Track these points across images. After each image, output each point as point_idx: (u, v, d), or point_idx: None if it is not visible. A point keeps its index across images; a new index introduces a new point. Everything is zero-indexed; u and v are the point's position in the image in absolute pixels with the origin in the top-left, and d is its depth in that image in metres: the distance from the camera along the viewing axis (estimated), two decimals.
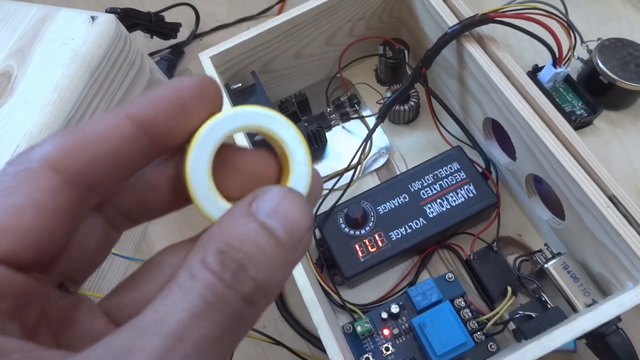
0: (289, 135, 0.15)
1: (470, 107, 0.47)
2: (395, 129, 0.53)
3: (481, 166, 0.47)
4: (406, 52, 0.51)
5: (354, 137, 0.53)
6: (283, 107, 0.51)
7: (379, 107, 0.53)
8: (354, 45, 0.52)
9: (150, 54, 0.65)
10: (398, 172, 0.51)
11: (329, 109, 0.54)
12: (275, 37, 0.47)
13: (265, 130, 0.15)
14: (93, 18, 0.44)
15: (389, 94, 0.52)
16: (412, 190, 0.45)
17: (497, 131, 0.47)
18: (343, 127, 0.54)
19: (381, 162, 0.51)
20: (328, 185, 0.51)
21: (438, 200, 0.44)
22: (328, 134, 0.54)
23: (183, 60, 0.65)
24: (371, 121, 0.53)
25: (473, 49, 0.41)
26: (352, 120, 0.54)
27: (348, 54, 0.53)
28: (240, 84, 0.47)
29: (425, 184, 0.45)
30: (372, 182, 0.51)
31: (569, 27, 0.39)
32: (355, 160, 0.48)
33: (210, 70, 0.45)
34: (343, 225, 0.44)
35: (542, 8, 0.39)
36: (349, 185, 0.47)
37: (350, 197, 0.46)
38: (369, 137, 0.48)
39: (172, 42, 0.65)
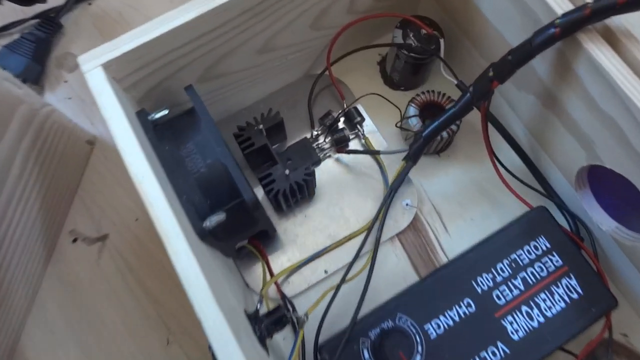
0: None
1: (557, 141, 0.29)
2: (420, 162, 0.34)
3: (565, 230, 0.30)
4: (442, 41, 0.31)
5: (358, 178, 0.34)
6: (244, 140, 0.30)
7: (397, 129, 0.34)
8: (351, 28, 0.32)
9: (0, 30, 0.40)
10: (432, 236, 0.33)
11: (315, 132, 0.34)
12: (227, 21, 0.25)
13: None
14: None
15: (413, 111, 0.33)
16: (480, 290, 0.27)
17: (592, 178, 0.30)
18: (338, 159, 0.34)
19: (405, 220, 0.33)
20: (324, 264, 0.31)
21: (523, 308, 0.26)
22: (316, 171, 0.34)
23: (61, 39, 0.41)
24: (388, 159, 0.34)
25: (603, 56, 0.23)
26: (356, 153, 0.34)
27: (341, 40, 0.32)
28: (166, 110, 0.25)
29: (499, 279, 0.27)
30: (393, 253, 0.32)
31: None
32: (367, 227, 0.29)
33: (107, 93, 0.23)
34: None
35: None
36: (367, 283, 0.27)
37: (374, 307, 0.27)
38: (392, 193, 0.29)
39: (40, 8, 0.40)
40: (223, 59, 0.28)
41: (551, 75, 0.26)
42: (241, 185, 0.23)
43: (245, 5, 0.25)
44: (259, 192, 0.32)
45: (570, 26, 0.23)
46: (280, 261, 0.31)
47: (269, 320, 0.24)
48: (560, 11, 0.23)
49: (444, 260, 0.32)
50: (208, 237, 0.23)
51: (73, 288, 0.33)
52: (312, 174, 0.30)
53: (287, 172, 0.29)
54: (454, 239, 0.32)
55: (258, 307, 0.25)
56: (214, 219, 0.23)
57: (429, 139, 0.28)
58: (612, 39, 0.23)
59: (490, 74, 0.26)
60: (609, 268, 0.31)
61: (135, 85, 0.26)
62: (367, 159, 0.34)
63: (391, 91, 0.36)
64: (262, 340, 0.24)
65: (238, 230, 0.26)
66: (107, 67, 0.23)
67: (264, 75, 0.32)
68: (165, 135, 0.25)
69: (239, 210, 0.24)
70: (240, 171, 0.24)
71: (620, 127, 0.24)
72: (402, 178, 0.29)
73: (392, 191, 0.29)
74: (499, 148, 0.32)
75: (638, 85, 0.22)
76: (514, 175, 0.32)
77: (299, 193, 0.30)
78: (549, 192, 0.31)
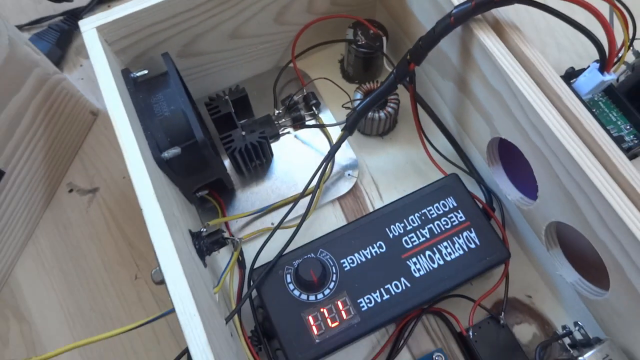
0: None
1: (471, 121, 0.34)
2: (365, 142, 0.40)
3: (480, 200, 0.34)
4: (384, 39, 0.38)
5: (310, 151, 0.39)
6: (212, 107, 0.36)
7: (346, 113, 0.39)
8: (314, 26, 0.38)
9: (34, 22, 0.48)
10: (368, 203, 0.38)
11: (277, 111, 0.40)
12: (198, 5, 0.32)
13: None
14: None
15: (359, 96, 0.38)
16: (391, 236, 0.32)
17: (504, 155, 0.34)
18: (296, 136, 0.40)
19: (346, 187, 0.38)
20: (272, 218, 0.37)
21: (427, 253, 0.31)
22: (275, 145, 0.40)
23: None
24: (334, 131, 0.40)
25: (489, 40, 0.29)
26: (307, 127, 0.40)
27: (305, 37, 0.39)
28: (146, 71, 0.32)
29: (409, 228, 0.32)
30: (332, 214, 0.37)
31: (629, 16, 0.27)
32: (312, 185, 0.34)
33: (97, 49, 0.29)
34: (291, 287, 0.30)
35: None
36: (301, 222, 0.33)
37: (303, 243, 0.32)
38: (330, 156, 0.34)
39: (68, 6, 0.48)
40: (198, 39, 0.35)
41: (459, 61, 0.32)
42: (195, 127, 0.29)
43: None
44: (227, 162, 0.38)
45: (463, 16, 0.29)
46: (235, 213, 0.37)
47: (209, 240, 0.30)
48: (456, 1, 0.29)
49: None
50: (165, 166, 0.29)
51: (64, 229, 0.39)
52: (266, 138, 0.36)
53: (243, 133, 0.35)
54: None
55: (201, 230, 0.30)
56: (171, 152, 0.29)
57: (362, 113, 0.34)
58: (498, 28, 0.29)
59: (408, 57, 0.32)
60: (517, 235, 0.35)
61: (125, 50, 0.32)
62: (320, 137, 0.40)
63: (347, 84, 0.42)
64: (201, 254, 0.29)
65: (194, 169, 0.32)
66: (101, 29, 0.30)
67: (237, 60, 0.39)
68: (142, 88, 0.31)
69: (193, 150, 0.30)
70: (196, 118, 0.30)
71: (505, 100, 0.29)
72: (338, 144, 0.35)
73: (330, 154, 0.34)
74: (434, 133, 0.37)
75: (518, 68, 0.28)
76: (442, 155, 0.37)
77: (255, 156, 0.36)
78: (470, 169, 0.36)
